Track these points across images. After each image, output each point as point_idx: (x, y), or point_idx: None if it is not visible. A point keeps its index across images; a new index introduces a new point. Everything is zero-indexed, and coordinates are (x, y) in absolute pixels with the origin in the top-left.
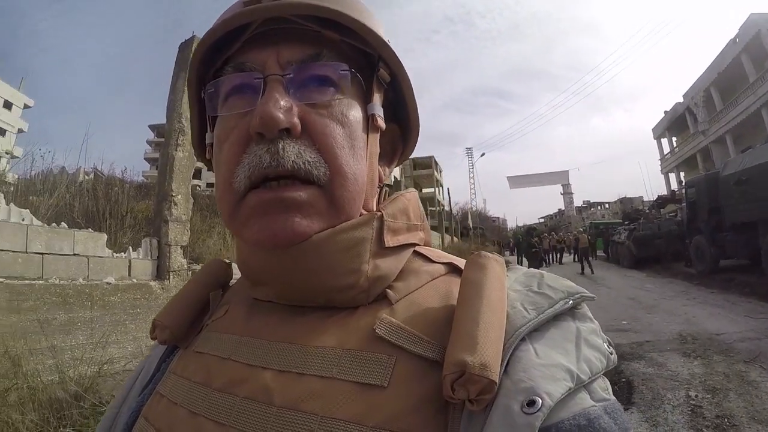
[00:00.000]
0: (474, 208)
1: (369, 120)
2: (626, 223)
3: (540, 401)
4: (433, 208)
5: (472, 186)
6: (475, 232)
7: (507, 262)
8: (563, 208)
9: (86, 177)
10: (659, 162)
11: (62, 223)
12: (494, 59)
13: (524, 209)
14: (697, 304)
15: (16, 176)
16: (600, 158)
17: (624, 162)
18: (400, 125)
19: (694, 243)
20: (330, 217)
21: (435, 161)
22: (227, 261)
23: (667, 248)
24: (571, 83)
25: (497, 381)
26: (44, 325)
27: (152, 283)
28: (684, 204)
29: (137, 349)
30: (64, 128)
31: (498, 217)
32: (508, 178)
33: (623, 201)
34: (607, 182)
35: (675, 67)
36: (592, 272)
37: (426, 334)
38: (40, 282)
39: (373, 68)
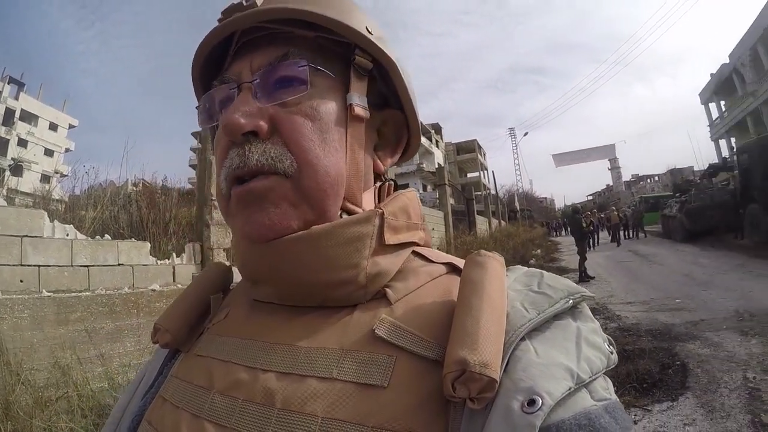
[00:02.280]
0: (520, 190)
1: (348, 110)
2: (677, 195)
3: (540, 401)
4: (479, 192)
5: (517, 167)
6: (523, 215)
7: (557, 244)
8: (611, 184)
9: (134, 188)
10: (708, 128)
11: (106, 235)
12: (529, 36)
13: (572, 187)
14: (755, 278)
15: (65, 193)
16: (646, 129)
17: (672, 131)
18: (404, 112)
19: (748, 212)
20: (303, 209)
21: (478, 144)
22: (228, 264)
23: (721, 219)
24: (609, 53)
25: (498, 379)
26: (92, 335)
27: None
28: (736, 171)
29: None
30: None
31: (545, 198)
32: (553, 156)
33: (673, 172)
34: (655, 154)
35: (719, 26)
36: (618, 244)
37: (426, 334)
38: (87, 293)
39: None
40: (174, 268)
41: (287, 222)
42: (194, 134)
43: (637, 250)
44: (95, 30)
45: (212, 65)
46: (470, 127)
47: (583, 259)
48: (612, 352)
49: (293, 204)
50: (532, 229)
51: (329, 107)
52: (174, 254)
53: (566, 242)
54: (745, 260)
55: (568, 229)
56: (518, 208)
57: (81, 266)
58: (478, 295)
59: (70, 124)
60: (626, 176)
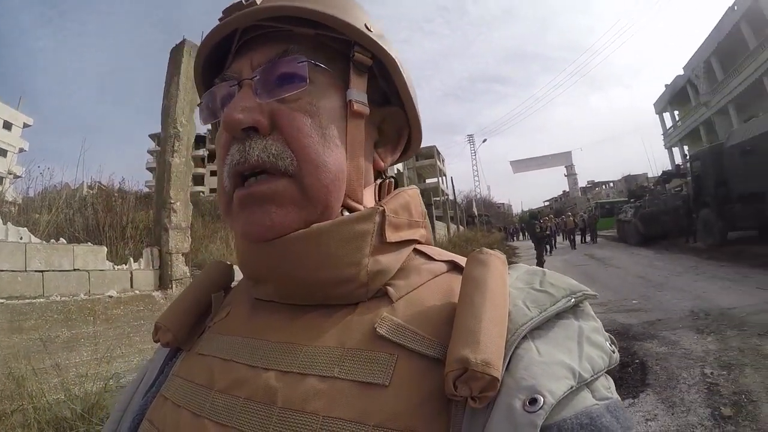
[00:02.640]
0: (478, 196)
1: (348, 106)
2: (632, 200)
3: (542, 399)
4: (438, 198)
5: (476, 173)
6: (481, 220)
7: (514, 249)
8: (568, 190)
9: (89, 191)
10: (662, 137)
11: (61, 238)
12: (489, 45)
13: (529, 193)
14: (708, 279)
15: (18, 195)
16: (602, 137)
17: (626, 139)
18: (404, 109)
19: (701, 217)
20: (305, 207)
21: (437, 151)
22: (229, 263)
23: (674, 224)
24: (567, 64)
25: (500, 378)
26: (47, 344)
27: (155, 293)
28: (689, 178)
29: (143, 361)
30: (64, 145)
31: (503, 203)
32: (511, 162)
33: (627, 179)
34: (610, 161)
35: (674, 39)
36: (573, 247)
37: (427, 333)
38: (41, 300)
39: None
40: (131, 273)
41: (288, 221)
42: (152, 136)
43: (593, 253)
44: (55, 26)
45: (215, 64)
46: (429, 133)
47: (540, 263)
48: (614, 351)
49: (296, 204)
50: (490, 234)
51: (329, 103)
52: (131, 259)
53: (524, 247)
54: (698, 262)
55: (526, 234)
56: (476, 213)
57: (35, 271)
58: (480, 293)
59: (24, 123)
60: (582, 182)
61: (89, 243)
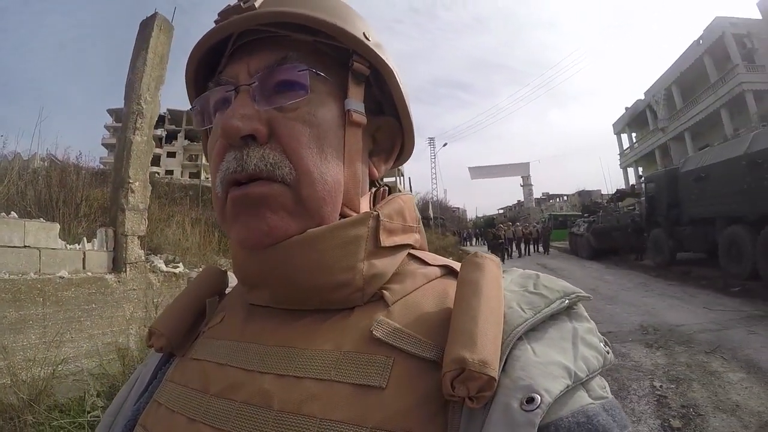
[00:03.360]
0: (435, 198)
1: (346, 116)
2: (585, 215)
3: (539, 398)
4: None
5: (434, 176)
6: (436, 222)
7: (467, 252)
8: (522, 200)
9: (42, 163)
10: (618, 156)
11: (12, 212)
12: (456, 51)
13: (484, 201)
14: (657, 296)
15: None
16: (559, 152)
17: (583, 156)
18: (398, 119)
19: (652, 236)
20: (301, 217)
21: None
22: (223, 269)
23: (626, 241)
24: (531, 78)
25: (497, 378)
26: None
27: (108, 276)
28: (643, 198)
29: (93, 347)
30: (18, 113)
31: (458, 208)
32: (470, 168)
33: (582, 194)
34: (566, 175)
35: (635, 66)
36: (520, 255)
37: (423, 335)
38: None
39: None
40: (84, 253)
41: (284, 228)
42: (110, 111)
43: (545, 263)
44: None
45: (205, 66)
46: None
47: None
48: (608, 352)
49: (291, 212)
50: (445, 237)
51: (327, 113)
52: (85, 239)
53: (475, 251)
54: (647, 279)
55: (480, 239)
56: (432, 215)
57: None
58: (475, 295)
59: None
60: (537, 194)
61: (41, 219)
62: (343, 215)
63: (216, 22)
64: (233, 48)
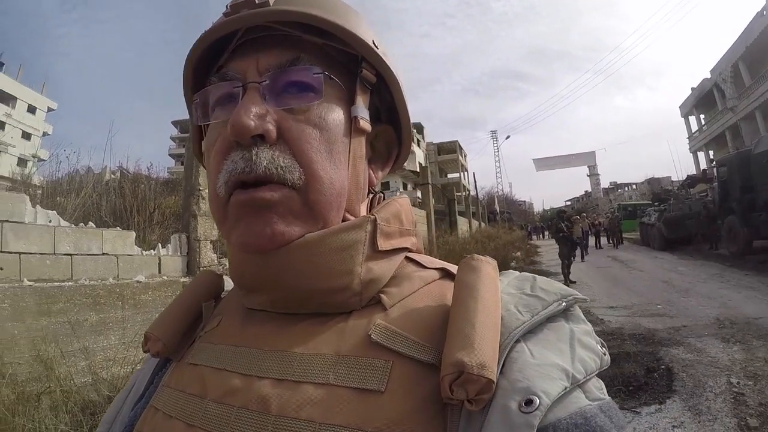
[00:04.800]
0: (500, 192)
1: (352, 122)
2: (655, 204)
3: (538, 400)
4: (459, 194)
5: (498, 170)
6: (502, 217)
7: (536, 247)
8: (590, 190)
9: (113, 176)
10: (687, 140)
11: (90, 222)
12: (512, 42)
13: (551, 192)
14: (732, 287)
15: (43, 179)
16: (625, 138)
17: (651, 142)
18: (395, 127)
19: (726, 223)
20: (307, 221)
21: (459, 145)
22: (219, 273)
23: (699, 229)
24: (591, 63)
25: (495, 380)
26: (75, 327)
27: (183, 279)
28: (715, 183)
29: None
30: (88, 129)
31: (524, 201)
32: (534, 160)
33: (651, 181)
34: (633, 163)
35: (701, 42)
36: (583, 257)
37: (421, 338)
38: (70, 283)
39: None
40: (160, 259)
41: (289, 233)
42: (174, 123)
43: (616, 255)
44: (78, 14)
45: (203, 59)
46: (449, 128)
47: (564, 263)
48: (605, 354)
49: (297, 216)
50: (512, 232)
51: (336, 118)
52: (159, 245)
53: (545, 245)
54: (722, 270)
55: (543, 233)
56: (498, 210)
57: (64, 255)
58: (473, 298)
59: (49, 107)
60: (605, 183)
61: (117, 228)
62: (344, 221)
63: (225, 14)
64: (238, 43)
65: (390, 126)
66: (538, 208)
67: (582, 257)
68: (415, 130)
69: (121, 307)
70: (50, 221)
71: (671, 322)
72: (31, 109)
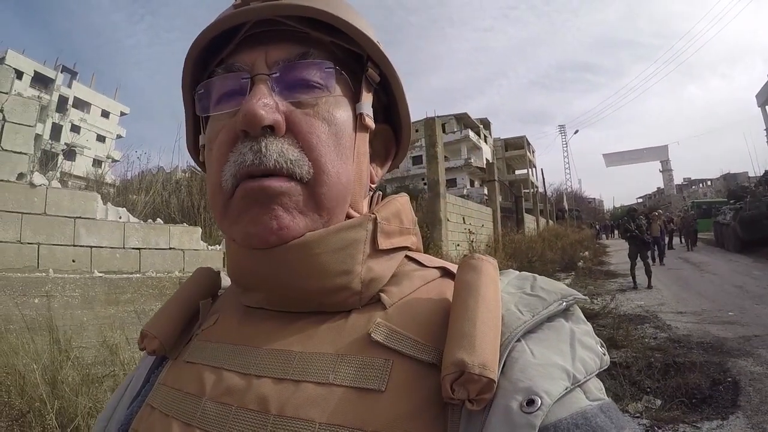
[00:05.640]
0: (569, 189)
1: (357, 119)
2: (731, 201)
3: (539, 400)
4: (527, 190)
5: (566, 166)
6: (571, 215)
7: (605, 247)
8: (662, 187)
9: (183, 174)
10: (765, 132)
11: (158, 219)
12: (577, 32)
13: (621, 189)
14: None
15: (116, 178)
16: (700, 131)
17: (726, 134)
18: (393, 127)
19: None
20: (312, 215)
21: (527, 141)
22: (216, 270)
23: None
24: (661, 51)
25: (496, 380)
26: (141, 316)
27: None
28: None
29: None
30: (158, 132)
31: (594, 198)
32: (604, 155)
33: (727, 177)
34: (708, 157)
35: None
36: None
37: (422, 338)
38: (137, 275)
39: (363, 69)
40: (224, 253)
41: (294, 227)
42: None
43: (687, 257)
44: (146, 24)
45: (203, 52)
46: (517, 124)
47: (633, 263)
48: (604, 354)
49: (303, 211)
50: (580, 230)
51: (343, 114)
52: (224, 240)
53: (615, 245)
54: None
55: (612, 232)
56: (566, 207)
57: (132, 248)
58: (473, 297)
59: (121, 112)
60: (678, 179)
61: (184, 224)
62: (348, 217)
63: (235, 6)
64: (244, 35)
65: (387, 125)
66: (608, 205)
67: (661, 260)
68: (481, 126)
69: None
70: (120, 217)
71: (742, 330)
72: (105, 114)
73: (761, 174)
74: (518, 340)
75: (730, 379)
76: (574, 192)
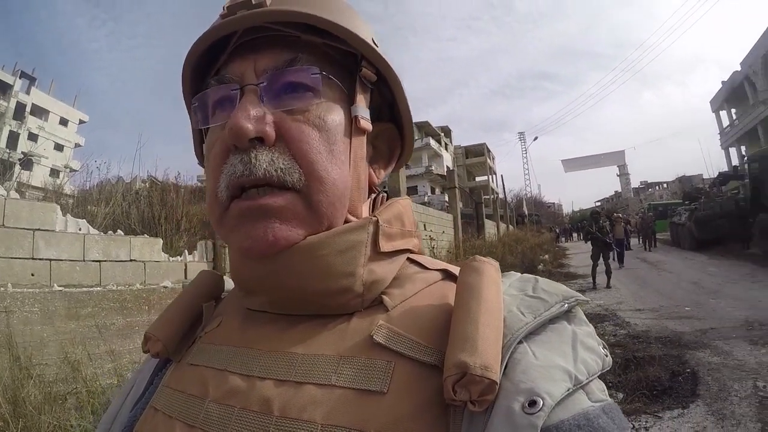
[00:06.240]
0: (528, 195)
1: (352, 122)
2: (686, 203)
3: (541, 401)
4: (488, 197)
5: (526, 172)
6: (531, 219)
7: (564, 250)
8: (620, 190)
9: (143, 185)
10: (718, 136)
11: (118, 230)
12: (538, 42)
13: (580, 194)
14: (764, 287)
15: (75, 188)
16: (655, 136)
17: (681, 139)
18: (397, 124)
19: (758, 221)
20: (311, 223)
21: (487, 148)
22: (219, 273)
23: (731, 228)
24: (618, 61)
25: (498, 381)
26: (102, 331)
27: None
28: (747, 180)
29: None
30: (119, 141)
31: (553, 203)
32: (563, 161)
33: (682, 180)
34: (664, 161)
35: (730, 35)
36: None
37: (424, 340)
38: (98, 289)
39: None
40: (186, 265)
41: (291, 237)
42: None
43: (645, 257)
44: (108, 29)
45: (203, 61)
46: (478, 131)
47: (595, 265)
48: (606, 355)
49: (301, 220)
50: (540, 234)
51: (336, 118)
52: (186, 251)
53: (574, 248)
54: (754, 270)
55: (580, 234)
56: (526, 212)
57: (93, 261)
58: (475, 299)
59: (80, 120)
60: (635, 183)
61: (145, 235)
62: (346, 222)
63: (222, 16)
64: (236, 44)
65: (392, 124)
66: (567, 209)
67: (620, 261)
68: (442, 134)
69: (147, 312)
70: (80, 229)
71: (699, 324)
72: (63, 122)
73: (715, 176)
74: (520, 342)
75: (689, 371)
76: (534, 197)
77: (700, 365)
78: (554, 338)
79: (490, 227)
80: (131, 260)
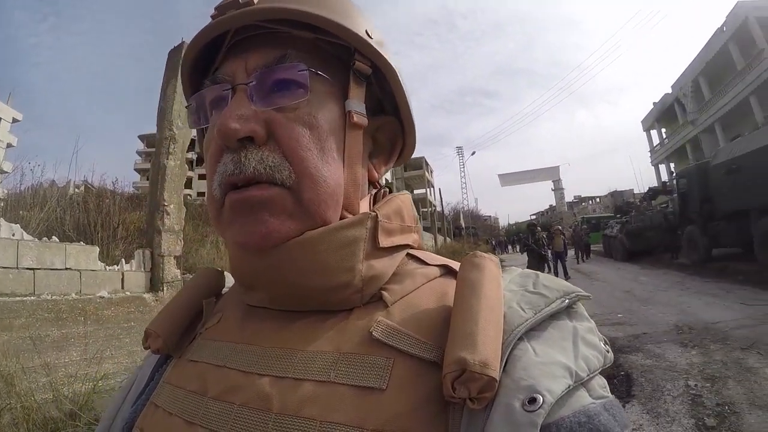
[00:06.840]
0: (466, 208)
1: (346, 117)
2: (618, 216)
3: (541, 399)
4: (425, 209)
5: (464, 185)
6: (468, 232)
7: (501, 261)
8: (554, 204)
9: (77, 190)
10: (649, 154)
11: (53, 237)
12: (478, 59)
13: (516, 207)
14: (692, 294)
15: (6, 191)
16: (589, 153)
17: (613, 156)
18: (399, 118)
19: (686, 233)
20: (301, 219)
21: (426, 162)
22: (220, 269)
23: (660, 240)
24: (554, 80)
25: (498, 378)
26: (37, 343)
27: (146, 295)
28: (675, 195)
29: (132, 363)
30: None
31: (490, 216)
32: (499, 175)
33: (614, 194)
34: (597, 177)
35: (663, 59)
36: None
37: (423, 336)
38: (32, 298)
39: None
40: (123, 274)
41: (284, 230)
42: (141, 137)
43: (579, 267)
44: (49, 24)
45: (200, 62)
46: (418, 145)
47: None
48: (608, 351)
49: (291, 215)
50: (477, 246)
51: (328, 114)
52: (123, 260)
53: (510, 259)
54: (683, 278)
55: (516, 247)
56: (463, 225)
57: (27, 269)
58: (475, 295)
59: (13, 118)
60: (569, 197)
61: (81, 242)
62: (342, 218)
63: (213, 16)
64: (230, 44)
65: (394, 117)
66: (503, 222)
67: (565, 273)
68: None
69: (83, 323)
70: (14, 234)
71: (631, 330)
72: None
73: (645, 191)
74: (520, 338)
75: (623, 373)
76: (471, 210)
77: (633, 368)
78: (555, 334)
79: (427, 239)
80: (66, 269)
